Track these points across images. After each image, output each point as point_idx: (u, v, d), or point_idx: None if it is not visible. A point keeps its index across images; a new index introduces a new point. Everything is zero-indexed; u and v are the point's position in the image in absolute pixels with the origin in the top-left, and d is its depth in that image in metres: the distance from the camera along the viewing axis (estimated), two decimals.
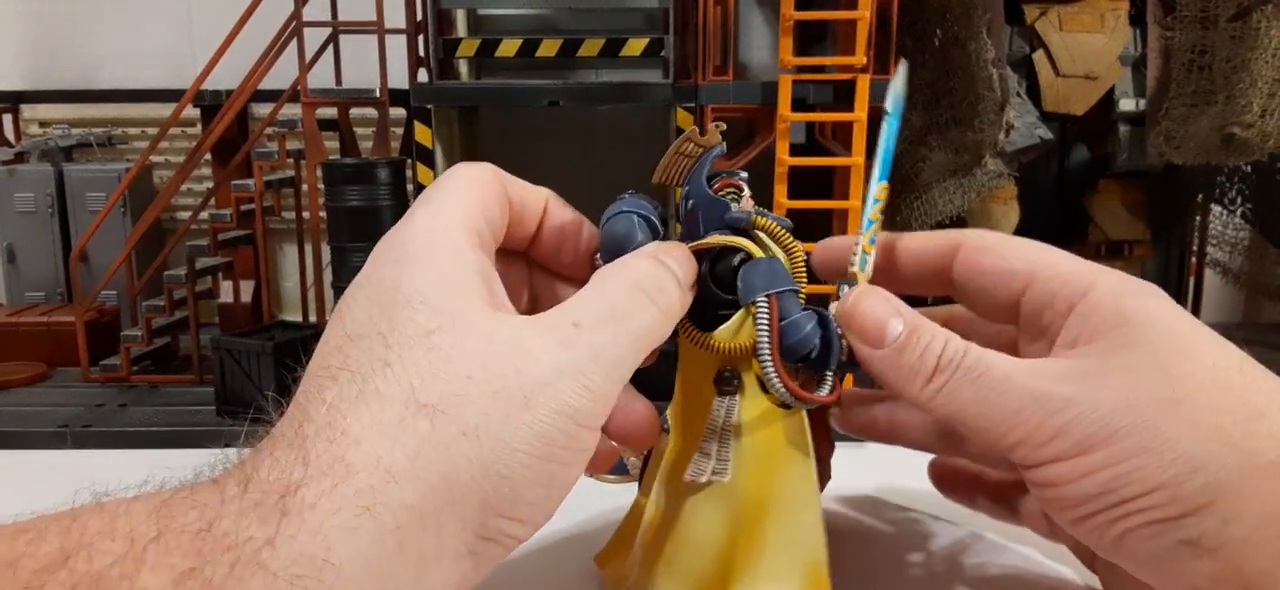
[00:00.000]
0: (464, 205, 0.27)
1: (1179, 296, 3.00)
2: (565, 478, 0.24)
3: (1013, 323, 0.30)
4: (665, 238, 0.30)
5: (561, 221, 0.31)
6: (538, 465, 0.23)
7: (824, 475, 0.32)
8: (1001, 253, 0.30)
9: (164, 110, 3.15)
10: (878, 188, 0.32)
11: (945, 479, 0.38)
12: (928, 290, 0.32)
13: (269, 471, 0.21)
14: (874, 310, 0.29)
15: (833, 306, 0.30)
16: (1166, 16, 2.44)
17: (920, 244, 0.32)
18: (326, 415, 0.22)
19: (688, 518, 0.29)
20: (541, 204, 0.31)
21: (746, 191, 0.32)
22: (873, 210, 0.32)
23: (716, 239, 0.30)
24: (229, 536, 0.20)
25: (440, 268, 0.25)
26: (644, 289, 0.27)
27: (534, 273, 0.33)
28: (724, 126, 0.31)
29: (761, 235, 0.30)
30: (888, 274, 0.32)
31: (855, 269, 0.31)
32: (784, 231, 0.30)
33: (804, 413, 0.29)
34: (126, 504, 0.21)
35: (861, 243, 0.31)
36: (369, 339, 0.24)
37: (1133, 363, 0.25)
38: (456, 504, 0.22)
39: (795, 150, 2.78)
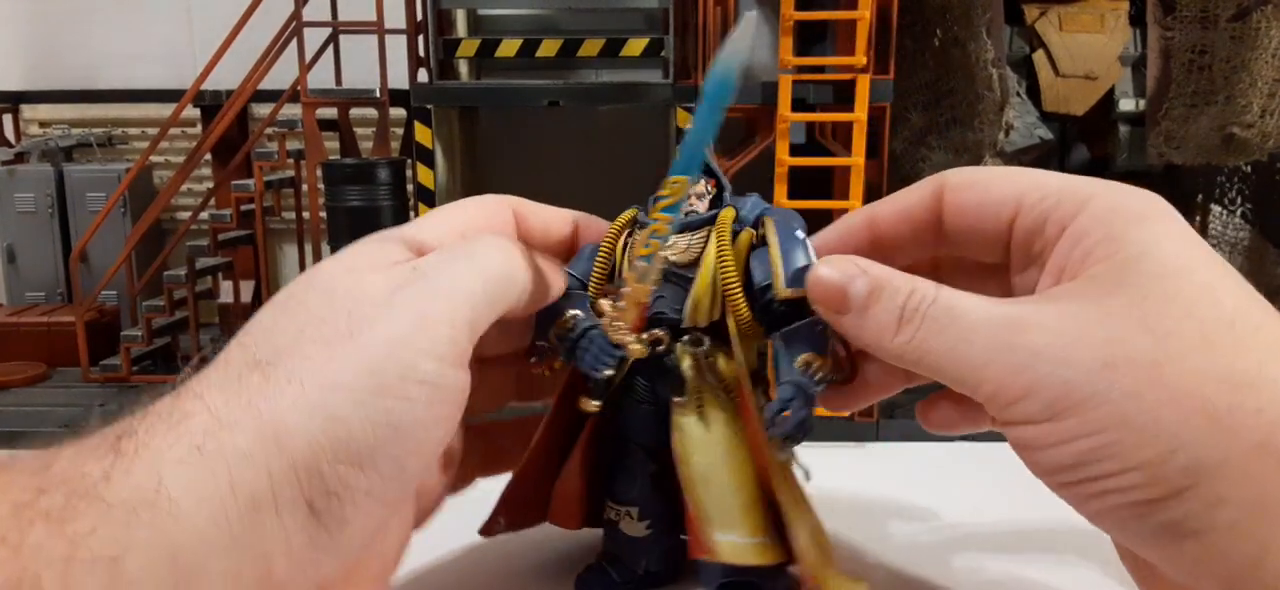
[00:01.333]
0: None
1: None
2: (411, 416, 0.23)
3: (1006, 260, 0.28)
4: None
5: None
6: (371, 402, 0.22)
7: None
8: (985, 185, 0.28)
9: (164, 110, 3.15)
10: (668, 181, 0.29)
11: (933, 416, 0.35)
12: (920, 251, 0.30)
13: (107, 425, 0.23)
14: (833, 274, 0.28)
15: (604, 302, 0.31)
16: (1166, 17, 2.44)
17: (903, 201, 0.30)
18: (185, 383, 0.24)
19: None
20: (567, 227, 0.31)
21: (692, 191, 0.31)
22: (652, 209, 0.29)
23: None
24: (65, 473, 0.21)
25: (360, 262, 0.26)
26: (490, 239, 0.28)
27: None
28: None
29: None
30: (875, 243, 0.30)
31: (629, 276, 0.30)
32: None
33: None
34: None
35: (640, 239, 0.29)
36: (254, 327, 0.25)
37: (1114, 310, 0.23)
38: (286, 450, 0.22)
39: (795, 150, 2.78)
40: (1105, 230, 0.24)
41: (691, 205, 0.31)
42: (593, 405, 0.30)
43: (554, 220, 0.30)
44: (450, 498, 0.36)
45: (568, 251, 0.31)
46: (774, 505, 0.31)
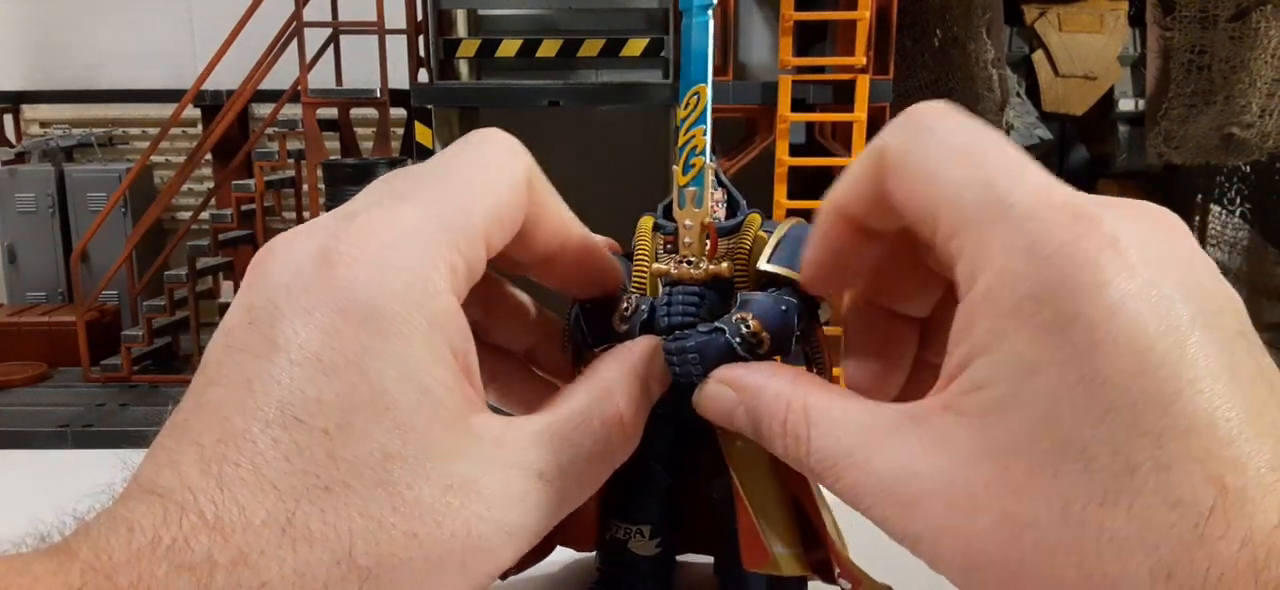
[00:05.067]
0: (463, 227, 0.21)
1: None
2: None
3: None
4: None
5: (582, 259, 0.27)
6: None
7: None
8: (913, 178, 0.21)
9: (164, 110, 3.16)
10: (688, 95, 0.29)
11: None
12: (897, 222, 0.24)
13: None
14: (713, 406, 0.26)
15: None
16: (1166, 17, 2.45)
17: (852, 182, 0.24)
18: (243, 544, 0.18)
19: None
20: (558, 240, 0.26)
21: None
22: (686, 130, 0.28)
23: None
24: None
25: (414, 352, 0.20)
26: (612, 444, 0.24)
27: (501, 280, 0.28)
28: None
29: None
30: (858, 233, 0.25)
31: (676, 208, 0.29)
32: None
33: None
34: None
35: (676, 171, 0.29)
36: (313, 434, 0.19)
37: (977, 484, 0.19)
38: None
39: (795, 150, 2.79)
40: (982, 342, 0.19)
41: (714, 212, 0.31)
42: None
43: (560, 235, 0.26)
44: None
45: (560, 268, 0.29)
46: (800, 513, 0.32)
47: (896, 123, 0.22)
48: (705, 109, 0.28)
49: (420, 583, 0.19)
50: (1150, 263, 0.18)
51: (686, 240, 0.29)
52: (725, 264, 0.29)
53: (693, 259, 0.29)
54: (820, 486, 0.31)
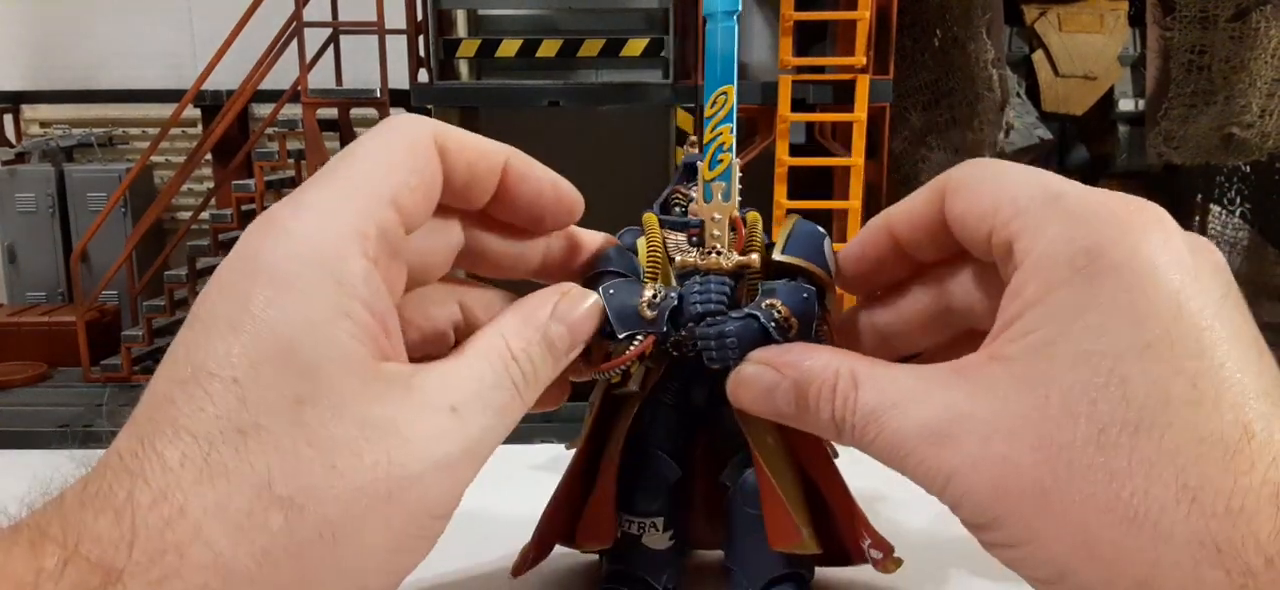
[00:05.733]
0: (367, 195, 0.23)
1: None
2: (412, 565, 0.23)
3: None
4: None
5: (530, 187, 0.29)
6: (390, 558, 0.22)
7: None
8: (974, 190, 0.25)
9: (164, 110, 3.16)
10: (715, 95, 0.30)
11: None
12: (939, 251, 0.27)
13: (91, 548, 0.19)
14: (752, 387, 0.27)
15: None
16: (1166, 17, 2.45)
17: (913, 205, 0.27)
18: (163, 483, 0.19)
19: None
20: (497, 168, 0.27)
21: (694, 194, 0.32)
22: (713, 128, 0.30)
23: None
24: None
25: (318, 306, 0.21)
26: (512, 377, 0.25)
27: (480, 232, 0.29)
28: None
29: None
30: (897, 249, 0.28)
31: (701, 202, 0.30)
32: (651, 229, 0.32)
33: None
34: None
35: (702, 168, 0.30)
36: (223, 384, 0.20)
37: (1016, 420, 0.21)
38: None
39: (795, 150, 2.79)
40: (1034, 294, 0.22)
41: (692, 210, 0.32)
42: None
43: (481, 164, 0.27)
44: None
45: (499, 194, 0.28)
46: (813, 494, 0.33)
47: (961, 164, 0.26)
48: (732, 108, 0.30)
49: (346, 511, 0.20)
50: (1189, 244, 0.21)
51: (714, 233, 0.31)
52: (754, 255, 0.30)
53: (722, 249, 0.30)
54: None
